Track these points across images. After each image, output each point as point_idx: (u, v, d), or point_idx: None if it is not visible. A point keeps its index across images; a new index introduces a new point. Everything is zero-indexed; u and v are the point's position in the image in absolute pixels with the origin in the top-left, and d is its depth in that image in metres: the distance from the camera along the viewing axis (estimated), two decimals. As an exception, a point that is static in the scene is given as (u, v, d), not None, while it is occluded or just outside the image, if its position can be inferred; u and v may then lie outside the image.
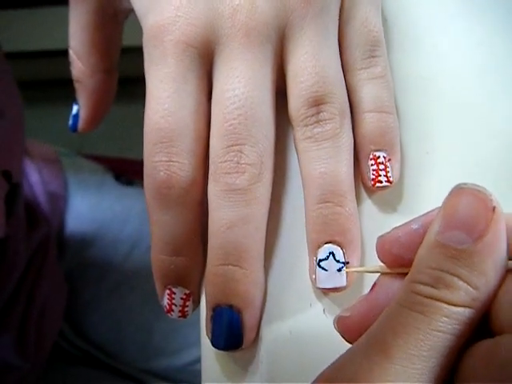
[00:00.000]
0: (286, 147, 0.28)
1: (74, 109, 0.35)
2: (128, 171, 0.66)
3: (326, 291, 0.25)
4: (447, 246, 0.18)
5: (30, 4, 1.05)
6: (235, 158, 0.24)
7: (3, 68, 0.46)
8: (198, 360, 0.59)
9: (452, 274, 0.18)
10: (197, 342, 0.59)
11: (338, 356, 0.24)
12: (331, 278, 0.24)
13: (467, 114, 0.28)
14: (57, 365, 0.58)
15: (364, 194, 0.27)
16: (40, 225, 0.55)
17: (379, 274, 0.21)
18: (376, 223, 0.26)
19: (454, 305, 0.18)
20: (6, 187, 0.44)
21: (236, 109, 0.24)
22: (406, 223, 0.20)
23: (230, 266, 0.24)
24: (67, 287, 0.57)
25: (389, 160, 0.26)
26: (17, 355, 0.50)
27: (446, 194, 0.26)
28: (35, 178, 0.59)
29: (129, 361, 0.59)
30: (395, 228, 0.21)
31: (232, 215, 0.24)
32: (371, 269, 0.22)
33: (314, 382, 0.20)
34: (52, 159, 0.63)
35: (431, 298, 0.18)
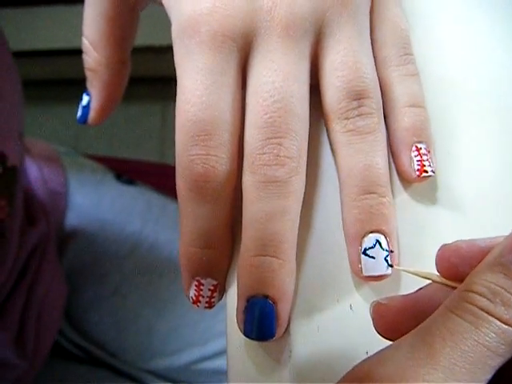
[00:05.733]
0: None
1: (85, 100, 0.35)
2: (129, 171, 0.66)
3: (370, 280, 0.25)
4: (509, 267, 0.18)
5: (19, 3, 1.05)
6: (274, 151, 0.24)
7: (2, 50, 0.45)
8: (199, 360, 0.60)
9: (511, 293, 0.18)
10: (197, 342, 0.59)
11: (364, 351, 0.25)
12: (378, 265, 0.25)
13: (488, 115, 0.29)
14: (57, 363, 0.58)
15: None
16: (39, 222, 0.54)
17: (429, 281, 0.22)
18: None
19: (506, 323, 0.18)
20: (0, 170, 0.43)
21: (275, 101, 0.25)
22: (472, 239, 0.21)
23: (267, 257, 0.24)
24: (68, 286, 0.57)
25: (428, 151, 0.27)
26: (15, 354, 0.50)
27: (464, 193, 0.27)
28: (35, 176, 0.59)
29: (129, 360, 0.59)
30: (460, 240, 0.21)
31: (271, 207, 0.24)
32: (423, 273, 0.22)
33: (351, 371, 0.20)
34: (52, 158, 0.62)
35: (485, 310, 0.18)
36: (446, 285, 0.21)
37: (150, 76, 1.00)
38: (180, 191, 0.26)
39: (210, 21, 0.25)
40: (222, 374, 0.58)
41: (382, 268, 0.25)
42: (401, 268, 0.25)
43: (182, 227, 0.26)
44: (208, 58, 0.25)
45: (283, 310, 0.24)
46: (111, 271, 0.59)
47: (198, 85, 0.25)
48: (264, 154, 0.24)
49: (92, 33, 0.33)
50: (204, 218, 0.25)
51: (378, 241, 0.25)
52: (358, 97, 0.26)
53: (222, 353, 0.58)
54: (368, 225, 0.25)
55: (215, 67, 0.25)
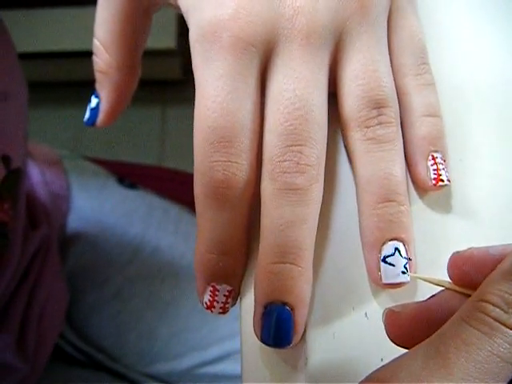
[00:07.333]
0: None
1: (93, 102, 0.35)
2: (130, 175, 0.66)
3: (389, 287, 0.25)
4: None
5: (19, 5, 1.04)
6: (295, 158, 0.25)
7: (8, 50, 0.45)
8: (200, 364, 0.60)
9: None
10: (199, 347, 0.59)
11: (379, 359, 0.25)
12: (398, 273, 0.25)
13: (502, 123, 0.30)
14: (58, 367, 0.58)
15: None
16: (41, 225, 0.54)
17: (442, 288, 0.22)
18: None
19: None
20: (4, 173, 0.43)
21: (296, 109, 0.25)
22: (484, 246, 0.21)
23: (287, 264, 0.24)
24: (70, 289, 0.57)
25: (444, 161, 0.27)
26: (16, 357, 0.50)
27: (477, 200, 0.28)
28: (37, 179, 0.58)
29: (130, 364, 0.59)
30: (473, 247, 0.21)
31: (291, 214, 0.24)
32: (435, 280, 0.22)
33: (365, 380, 0.20)
34: (54, 161, 0.62)
35: (499, 320, 0.18)
36: (458, 292, 0.21)
37: (149, 79, 1.00)
38: (198, 197, 0.26)
39: (232, 26, 0.25)
40: (223, 378, 0.58)
41: (401, 275, 0.25)
42: (413, 275, 0.25)
43: (199, 233, 0.26)
44: (229, 65, 0.25)
45: (300, 316, 0.24)
46: (113, 275, 0.59)
47: (219, 91, 0.25)
48: (285, 161, 0.25)
49: (104, 34, 0.33)
50: (222, 224, 0.25)
51: (397, 249, 0.25)
52: (377, 105, 0.26)
53: (224, 357, 0.58)
54: (388, 233, 0.25)
55: (236, 74, 0.25)
